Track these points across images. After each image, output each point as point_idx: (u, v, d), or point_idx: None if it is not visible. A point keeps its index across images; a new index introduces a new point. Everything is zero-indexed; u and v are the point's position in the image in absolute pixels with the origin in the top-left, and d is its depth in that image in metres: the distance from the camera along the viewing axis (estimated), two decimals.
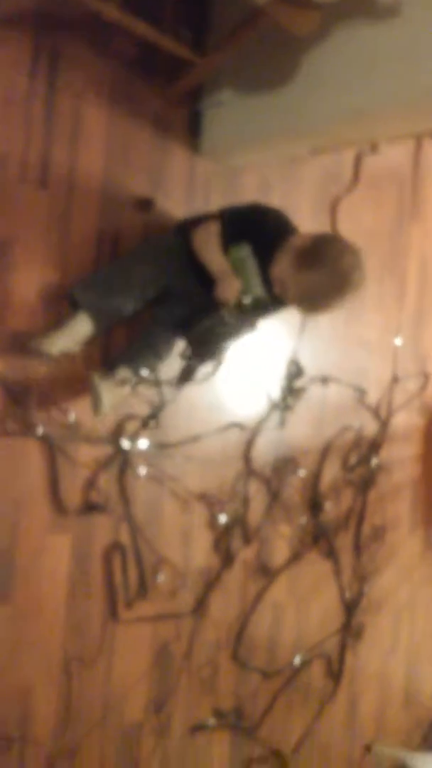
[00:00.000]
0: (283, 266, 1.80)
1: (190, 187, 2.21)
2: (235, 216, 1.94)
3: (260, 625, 2.54)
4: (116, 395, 1.96)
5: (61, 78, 1.92)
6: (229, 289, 1.87)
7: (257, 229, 1.88)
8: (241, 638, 2.48)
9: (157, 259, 1.98)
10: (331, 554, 2.74)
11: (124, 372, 1.97)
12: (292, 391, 2.55)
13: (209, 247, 1.89)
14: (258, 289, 1.89)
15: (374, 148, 2.69)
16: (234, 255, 1.87)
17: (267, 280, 1.88)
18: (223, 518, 2.37)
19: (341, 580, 2.79)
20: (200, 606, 2.34)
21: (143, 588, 2.19)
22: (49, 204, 1.94)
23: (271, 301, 1.94)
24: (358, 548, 2.84)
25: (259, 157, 2.30)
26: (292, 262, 1.78)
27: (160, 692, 2.28)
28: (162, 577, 2.24)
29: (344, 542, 2.80)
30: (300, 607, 2.67)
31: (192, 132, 2.20)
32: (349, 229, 2.66)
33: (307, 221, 2.39)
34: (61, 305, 1.93)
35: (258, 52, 2.02)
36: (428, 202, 3.02)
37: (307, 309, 1.88)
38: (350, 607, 2.84)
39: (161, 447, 2.21)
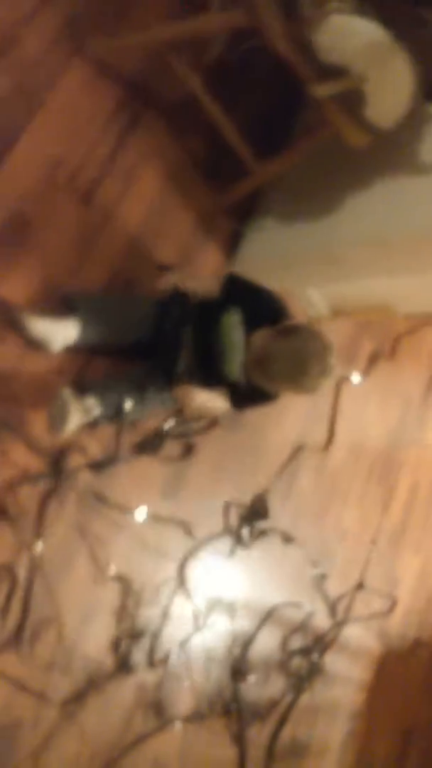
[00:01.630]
0: (258, 336, 1.88)
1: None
2: (244, 285, 2.03)
3: None
4: (79, 420, 1.86)
5: (134, 136, 2.21)
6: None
7: (258, 307, 1.96)
8: None
9: (163, 316, 2.06)
10: (239, 742, 2.32)
11: (92, 401, 1.88)
12: (252, 527, 2.42)
13: None
14: (236, 360, 1.92)
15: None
16: (226, 320, 1.96)
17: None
18: (134, 620, 2.11)
19: None
20: (73, 703, 1.96)
21: (18, 638, 1.86)
22: (83, 221, 2.09)
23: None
24: (270, 755, 2.40)
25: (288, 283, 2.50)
26: (267, 333, 1.86)
27: None
28: (43, 643, 1.92)
29: (257, 738, 2.37)
30: None
31: (230, 245, 2.44)
32: (350, 413, 2.76)
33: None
34: (57, 306, 1.95)
35: (304, 182, 2.34)
36: (431, 420, 3.12)
37: (258, 378, 1.87)
38: None
39: (97, 499, 2.06)
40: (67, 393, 1.81)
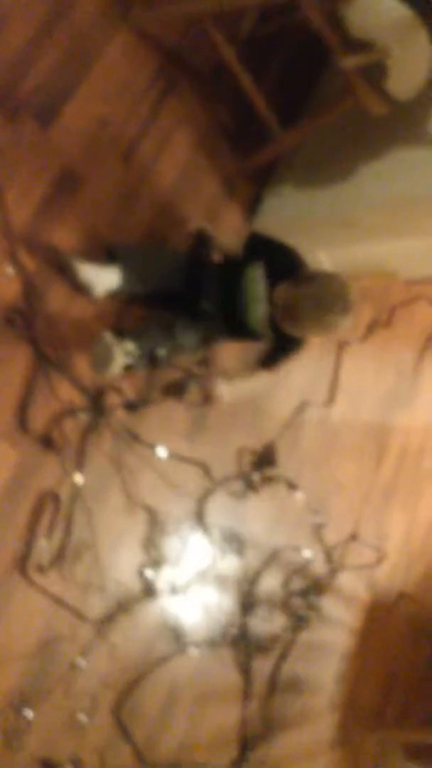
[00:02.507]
0: (282, 288, 2.04)
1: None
2: (265, 242, 2.21)
3: (153, 695, 2.24)
4: (122, 363, 1.98)
5: (169, 102, 2.39)
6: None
7: (279, 261, 2.12)
8: (131, 695, 2.18)
9: (197, 275, 2.22)
10: (246, 671, 2.52)
11: (131, 346, 2.02)
12: (261, 473, 2.62)
13: None
14: (259, 311, 2.12)
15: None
16: (249, 273, 2.14)
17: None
18: (159, 549, 2.30)
19: (245, 710, 2.52)
20: (106, 623, 2.13)
21: (61, 559, 2.03)
22: (123, 178, 2.26)
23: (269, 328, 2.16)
24: (273, 686, 2.60)
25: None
26: (290, 283, 2.02)
27: (29, 689, 1.95)
28: (81, 564, 2.08)
29: (261, 669, 2.58)
30: (196, 705, 2.35)
31: (250, 208, 2.63)
32: (348, 379, 2.97)
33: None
34: (100, 255, 2.11)
35: (321, 151, 2.54)
36: (423, 388, 3.36)
37: (289, 325, 2.03)
38: (245, 749, 2.52)
39: (130, 435, 2.23)
40: (109, 337, 1.94)
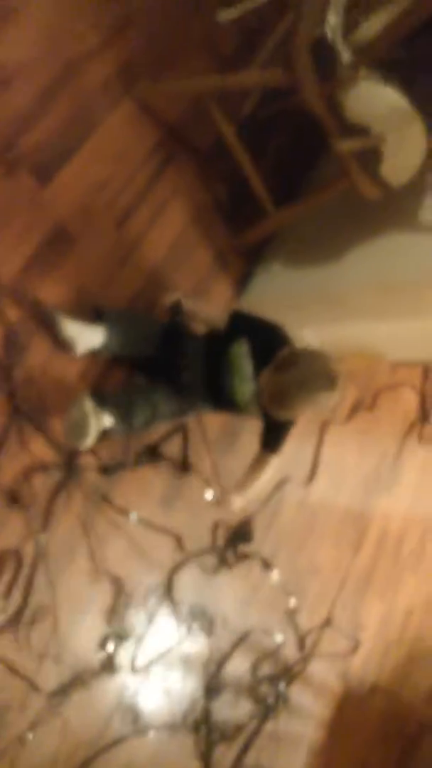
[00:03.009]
0: (265, 375, 1.98)
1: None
2: (248, 319, 2.16)
3: None
4: (97, 433, 1.92)
5: (167, 173, 2.42)
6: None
7: (263, 338, 2.08)
8: None
9: (181, 346, 2.21)
10: (207, 760, 2.37)
11: (107, 414, 1.97)
12: (236, 549, 2.54)
13: None
14: (247, 390, 2.09)
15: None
16: (235, 351, 2.11)
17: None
18: (123, 621, 2.19)
19: None
20: (60, 696, 2.02)
21: (17, 622, 1.94)
22: (115, 242, 2.27)
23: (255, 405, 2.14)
24: None
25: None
26: (272, 369, 1.95)
27: None
28: (38, 630, 1.98)
29: (223, 758, 2.43)
30: None
31: (241, 283, 2.64)
32: (329, 460, 2.92)
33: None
34: (86, 316, 2.10)
35: (313, 232, 2.57)
36: (404, 474, 3.30)
37: (277, 408, 1.97)
38: None
39: (102, 499, 2.16)
40: (88, 404, 1.89)
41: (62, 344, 2.04)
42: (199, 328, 2.25)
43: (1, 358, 1.96)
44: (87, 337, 2.04)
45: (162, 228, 2.40)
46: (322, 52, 2.13)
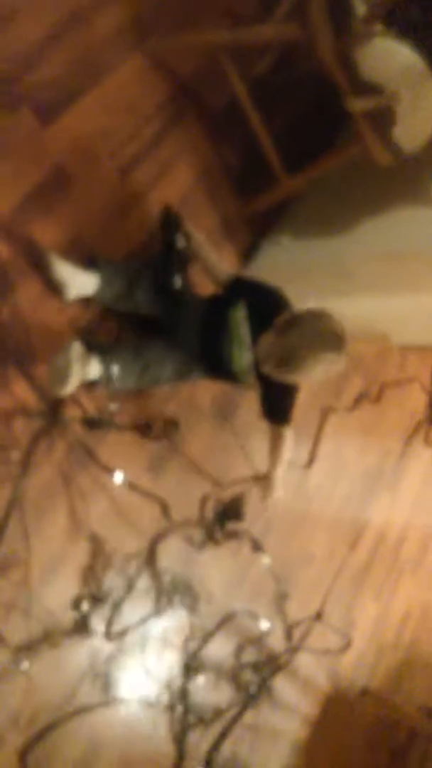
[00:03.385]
0: (266, 339, 1.91)
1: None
2: (248, 284, 2.10)
3: (68, 747, 1.97)
4: (78, 382, 1.86)
5: (175, 130, 2.37)
6: None
7: (262, 302, 2.02)
8: (43, 741, 1.92)
9: (178, 305, 2.14)
10: (180, 742, 2.24)
11: (95, 363, 1.91)
12: (222, 525, 2.43)
13: None
14: (244, 358, 2.00)
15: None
16: (233, 316, 2.04)
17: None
18: (99, 584, 2.08)
19: None
20: (26, 651, 1.91)
21: None
22: (117, 191, 2.21)
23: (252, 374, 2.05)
24: (208, 765, 2.32)
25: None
26: (274, 332, 1.88)
27: None
28: (7, 581, 1.89)
29: (198, 743, 2.30)
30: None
31: (246, 253, 2.58)
32: (329, 448, 2.83)
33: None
34: (80, 262, 2.02)
35: (322, 202, 2.51)
36: (408, 476, 3.19)
37: (284, 372, 1.88)
38: None
39: (86, 453, 2.07)
40: (76, 348, 1.83)
41: (53, 286, 1.97)
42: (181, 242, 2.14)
43: None
44: (79, 282, 1.98)
45: (166, 185, 2.34)
46: (338, 10, 2.10)
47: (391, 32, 2.09)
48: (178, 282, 2.04)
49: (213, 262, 2.12)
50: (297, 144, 2.56)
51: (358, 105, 2.10)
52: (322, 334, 1.80)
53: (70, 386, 1.81)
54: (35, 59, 2.05)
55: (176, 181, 2.38)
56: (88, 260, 2.04)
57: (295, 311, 1.93)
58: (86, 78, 2.17)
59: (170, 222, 2.12)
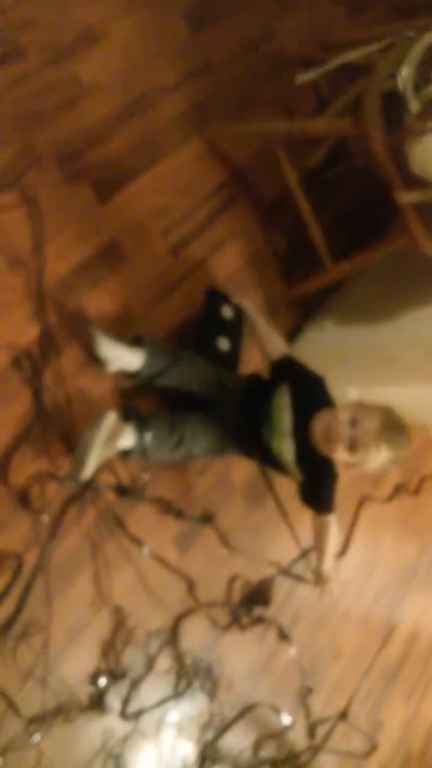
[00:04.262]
0: (321, 420, 1.93)
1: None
2: (295, 367, 2.12)
3: None
4: (99, 462, 1.87)
5: (227, 214, 2.48)
6: None
7: (307, 388, 2.05)
8: None
9: (223, 387, 2.14)
10: None
11: (133, 430, 1.97)
12: (250, 609, 2.37)
13: None
14: (286, 448, 2.00)
15: None
16: (276, 399, 2.04)
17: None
18: (119, 659, 2.03)
19: None
20: (39, 723, 1.86)
21: (5, 632, 1.82)
22: (167, 269, 2.30)
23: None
24: None
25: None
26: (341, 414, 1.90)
27: None
28: (27, 646, 1.86)
29: None
30: None
31: (290, 334, 2.62)
32: (364, 539, 2.78)
33: None
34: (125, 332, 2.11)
35: (371, 288, 2.55)
36: None
37: (349, 456, 1.89)
38: None
39: (115, 521, 2.06)
40: (109, 419, 1.85)
41: (95, 360, 2.03)
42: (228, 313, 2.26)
43: (34, 353, 1.96)
44: (123, 360, 2.02)
45: (216, 265, 2.42)
46: (392, 108, 2.19)
47: None
48: (224, 344, 2.09)
49: (268, 334, 2.16)
50: (345, 233, 2.64)
51: (406, 198, 2.17)
52: (393, 426, 1.88)
53: (90, 469, 1.82)
54: (99, 138, 2.19)
55: (224, 263, 2.45)
56: (133, 339, 2.09)
57: (365, 402, 1.96)
58: (145, 159, 2.30)
59: (215, 296, 2.19)
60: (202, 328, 2.25)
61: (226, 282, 2.43)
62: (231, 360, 2.27)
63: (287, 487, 2.11)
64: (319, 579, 2.15)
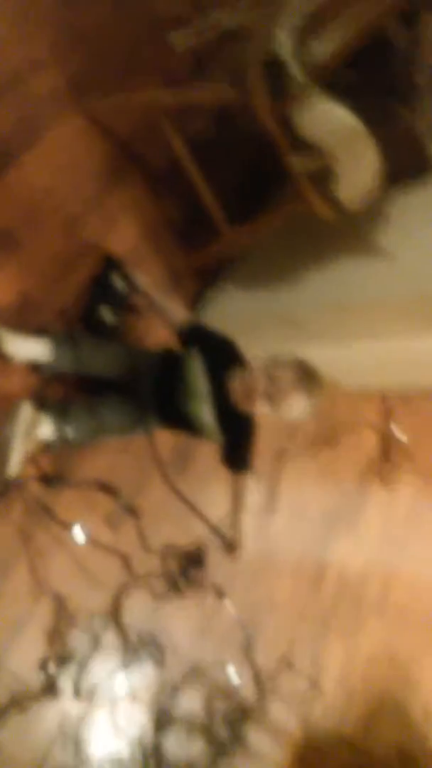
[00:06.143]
0: (240, 379, 2.06)
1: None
2: (203, 333, 2.23)
3: None
4: (22, 455, 1.90)
5: (116, 188, 2.51)
6: None
7: (218, 353, 2.16)
8: None
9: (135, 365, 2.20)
10: None
11: (48, 419, 1.98)
12: (185, 575, 2.47)
13: None
14: (205, 412, 2.09)
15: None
16: (189, 365, 2.12)
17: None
18: (65, 642, 2.11)
19: None
20: None
21: None
22: (63, 249, 2.31)
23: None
24: None
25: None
26: (256, 371, 2.05)
27: None
28: None
29: None
30: None
31: (193, 304, 2.68)
32: (287, 492, 2.92)
33: None
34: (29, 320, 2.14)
35: (268, 253, 2.63)
36: (366, 515, 3.29)
37: (267, 409, 2.02)
38: None
39: (44, 511, 2.10)
40: (26, 409, 1.89)
41: (1, 356, 2.03)
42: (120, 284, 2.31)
43: None
44: (29, 351, 2.03)
45: (111, 240, 2.45)
46: (273, 75, 2.25)
47: (326, 93, 2.24)
48: (107, 315, 2.14)
49: (165, 308, 2.26)
50: (240, 200, 2.70)
51: (298, 165, 2.24)
52: (306, 374, 2.01)
53: (15, 466, 1.85)
54: None
55: (120, 237, 2.48)
56: (37, 329, 2.09)
57: (276, 355, 2.06)
58: (26, 139, 2.28)
59: (110, 264, 2.25)
60: (90, 296, 2.31)
61: (125, 256, 2.45)
62: (111, 335, 2.32)
63: (209, 453, 2.20)
64: (235, 541, 2.25)
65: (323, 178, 2.31)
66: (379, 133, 2.30)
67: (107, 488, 2.28)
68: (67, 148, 2.39)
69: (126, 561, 2.29)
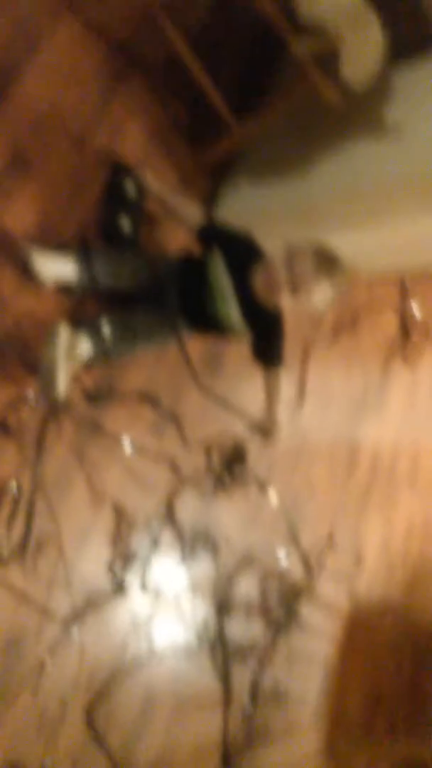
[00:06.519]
0: (262, 274, 2.06)
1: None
2: (221, 231, 2.24)
3: (128, 700, 2.18)
4: (69, 375, 1.93)
5: (119, 92, 2.42)
6: None
7: (238, 249, 2.16)
8: (104, 699, 2.13)
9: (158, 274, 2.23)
10: (225, 678, 2.46)
11: (86, 337, 2.03)
12: (231, 469, 2.62)
13: None
14: (232, 309, 2.14)
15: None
16: (211, 268, 2.13)
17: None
18: (128, 545, 2.26)
19: (226, 719, 2.46)
20: (73, 620, 2.09)
21: (23, 550, 2.00)
22: (75, 163, 2.27)
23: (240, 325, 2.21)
24: (254, 695, 2.55)
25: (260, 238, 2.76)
26: (277, 264, 2.02)
27: None
28: (45, 558, 2.05)
29: (242, 676, 2.53)
30: (174, 713, 2.31)
31: (208, 201, 2.68)
32: (314, 381, 3.01)
33: None
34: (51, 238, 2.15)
35: (277, 144, 2.62)
36: (391, 395, 3.41)
37: (295, 299, 2.02)
38: (228, 761, 2.43)
39: (93, 427, 2.23)
40: (63, 331, 1.90)
41: (30, 275, 2.06)
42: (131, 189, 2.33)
43: None
44: (59, 269, 2.07)
45: (122, 147, 2.41)
46: None
47: None
48: (125, 224, 2.16)
49: (180, 210, 2.27)
50: (245, 90, 2.66)
51: (301, 48, 2.20)
52: (326, 261, 2.01)
53: (62, 388, 1.89)
54: None
55: (130, 144, 2.44)
56: (60, 245, 2.13)
57: (295, 244, 2.08)
58: (22, 51, 2.21)
59: (119, 170, 2.27)
60: (105, 206, 2.31)
61: (137, 163, 2.45)
62: (131, 244, 2.34)
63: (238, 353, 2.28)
64: (271, 428, 2.39)
65: (328, 60, 2.27)
66: (383, 7, 2.26)
67: (149, 399, 2.38)
68: (66, 56, 2.32)
69: (173, 465, 2.42)
